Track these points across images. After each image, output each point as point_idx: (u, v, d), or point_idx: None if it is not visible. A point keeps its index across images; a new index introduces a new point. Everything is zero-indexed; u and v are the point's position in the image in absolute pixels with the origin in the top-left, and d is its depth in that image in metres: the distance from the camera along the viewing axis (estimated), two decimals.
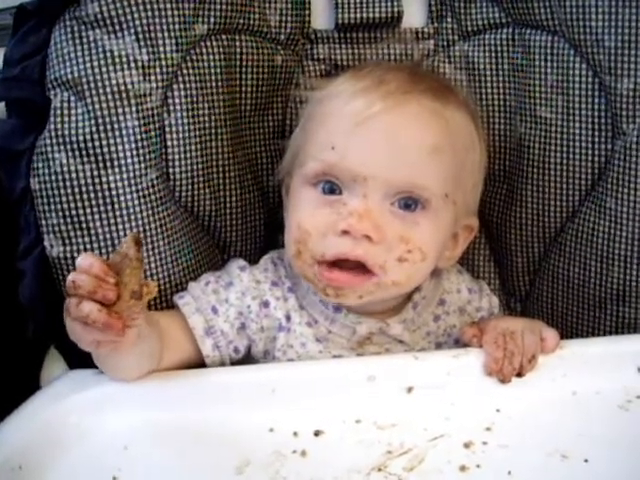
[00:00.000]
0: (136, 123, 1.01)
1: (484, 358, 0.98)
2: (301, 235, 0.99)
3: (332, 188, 0.99)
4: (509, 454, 0.90)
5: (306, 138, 1.04)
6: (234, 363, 1.04)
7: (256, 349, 1.05)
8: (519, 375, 0.96)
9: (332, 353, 1.04)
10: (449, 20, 1.17)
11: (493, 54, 1.16)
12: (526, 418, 0.94)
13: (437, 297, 1.10)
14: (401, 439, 0.92)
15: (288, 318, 1.05)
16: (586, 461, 0.88)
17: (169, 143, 1.05)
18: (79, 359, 1.00)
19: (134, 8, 1.00)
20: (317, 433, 0.94)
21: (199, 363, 1.03)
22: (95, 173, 1.00)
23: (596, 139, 1.08)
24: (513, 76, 1.14)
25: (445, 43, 1.18)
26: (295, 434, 0.94)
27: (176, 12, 1.03)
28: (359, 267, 0.97)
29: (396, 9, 1.15)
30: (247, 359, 1.06)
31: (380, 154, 0.97)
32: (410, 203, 0.98)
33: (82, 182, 1.00)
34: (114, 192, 1.01)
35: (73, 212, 1.01)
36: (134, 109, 1.01)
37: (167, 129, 1.04)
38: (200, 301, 1.03)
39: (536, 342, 0.98)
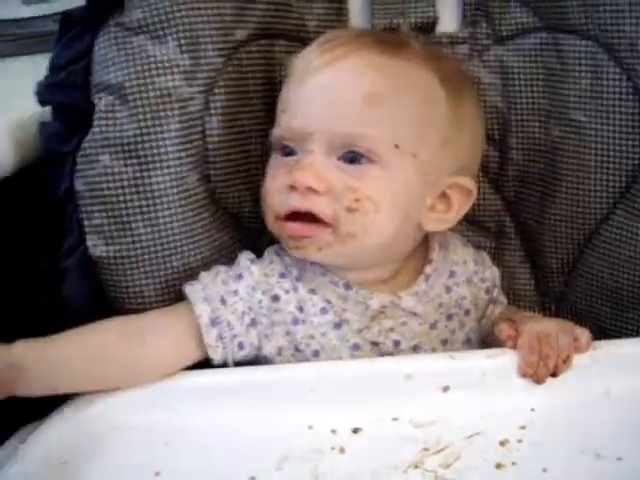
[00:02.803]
0: (179, 126, 1.03)
1: (519, 361, 0.98)
2: (264, 196, 1.03)
3: (288, 151, 1.02)
4: (544, 452, 0.91)
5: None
6: (238, 363, 1.04)
7: (269, 345, 1.04)
8: (554, 375, 0.97)
9: (351, 341, 1.04)
10: (483, 25, 1.18)
11: (527, 58, 1.16)
12: (560, 417, 0.95)
13: (447, 269, 1.11)
14: (437, 437, 0.93)
15: (301, 310, 1.05)
16: (619, 459, 0.88)
17: (210, 146, 1.07)
18: None
19: (177, 14, 1.02)
20: (355, 430, 0.95)
21: (198, 359, 1.03)
22: (138, 175, 1.02)
23: (630, 142, 1.08)
24: (547, 80, 1.15)
25: (479, 48, 1.19)
26: (333, 431, 0.95)
27: (217, 18, 1.05)
28: (314, 221, 0.99)
29: (431, 14, 1.17)
30: (257, 360, 1.05)
31: (319, 108, 1.00)
32: (355, 157, 0.99)
33: (125, 183, 1.02)
34: (157, 193, 1.03)
35: (116, 212, 1.03)
36: (177, 113, 1.03)
37: (208, 132, 1.06)
38: (209, 290, 1.03)
39: (570, 343, 0.98)
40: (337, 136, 0.98)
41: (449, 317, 1.09)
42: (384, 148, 0.99)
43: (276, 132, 1.04)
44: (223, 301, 1.02)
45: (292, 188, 0.99)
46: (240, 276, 1.05)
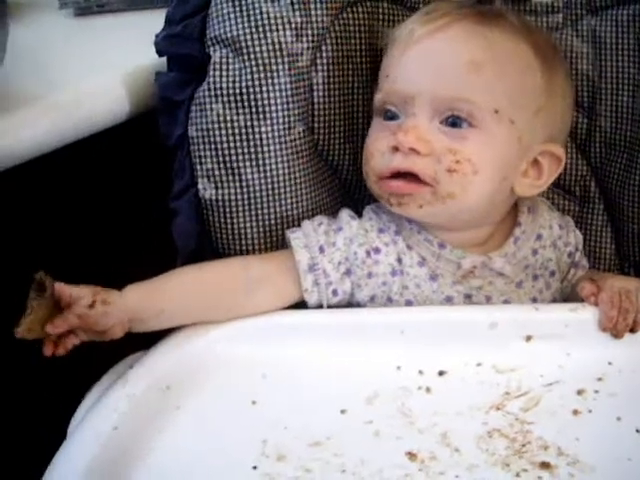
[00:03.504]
0: (287, 79, 1.09)
1: (599, 315, 1.02)
2: (366, 157, 1.08)
3: (391, 115, 1.06)
4: (619, 403, 0.96)
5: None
6: (331, 306, 1.08)
7: (361, 294, 1.08)
8: (632, 331, 1.01)
9: (445, 293, 1.08)
10: None
11: (619, 29, 1.18)
12: (636, 371, 0.99)
13: (535, 232, 1.14)
14: (518, 383, 0.98)
15: (399, 261, 1.08)
16: None
17: (315, 100, 1.12)
18: None
19: None
20: (441, 373, 1.00)
21: (296, 302, 1.09)
22: (248, 124, 1.08)
23: None
24: (638, 50, 1.17)
25: (574, 17, 1.21)
26: (420, 372, 1.00)
27: None
28: (416, 180, 1.03)
29: None
30: (350, 305, 1.10)
31: (423, 73, 1.04)
32: (457, 121, 1.03)
33: (236, 131, 1.08)
34: (264, 142, 1.09)
35: (227, 158, 1.09)
36: (286, 67, 1.09)
37: (314, 87, 1.12)
38: (310, 238, 1.08)
39: None
40: (440, 100, 1.03)
41: (535, 278, 1.13)
42: (484, 113, 1.03)
43: (379, 97, 1.08)
44: (322, 250, 1.08)
45: (395, 149, 1.04)
46: (340, 229, 1.10)
